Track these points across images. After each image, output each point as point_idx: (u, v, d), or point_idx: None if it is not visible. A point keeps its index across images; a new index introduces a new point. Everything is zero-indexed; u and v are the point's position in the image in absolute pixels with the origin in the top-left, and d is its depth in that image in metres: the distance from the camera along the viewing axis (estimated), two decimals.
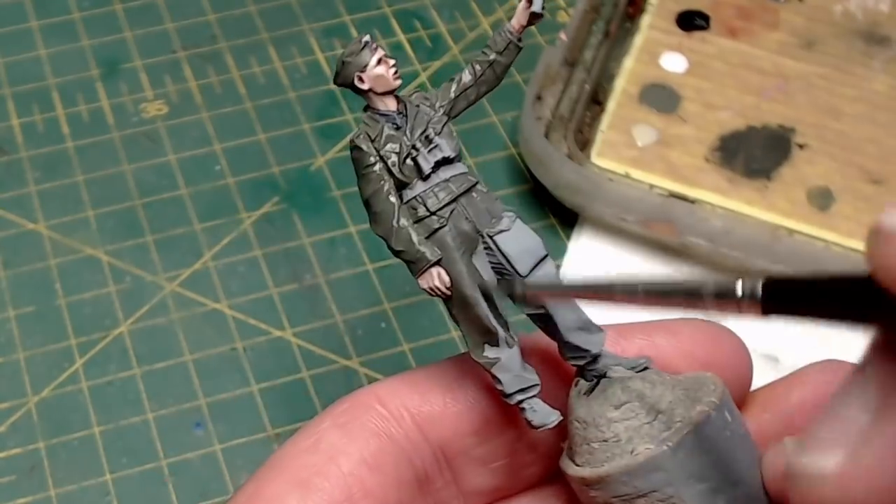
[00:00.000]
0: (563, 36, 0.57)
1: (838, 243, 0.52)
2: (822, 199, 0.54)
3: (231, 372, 0.50)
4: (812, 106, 0.57)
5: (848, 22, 0.60)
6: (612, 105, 0.56)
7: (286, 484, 0.30)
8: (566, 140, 0.54)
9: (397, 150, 0.31)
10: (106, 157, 0.57)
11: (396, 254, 0.31)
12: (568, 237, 0.55)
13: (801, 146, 0.56)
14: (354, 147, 0.31)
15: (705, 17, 0.60)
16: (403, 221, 0.31)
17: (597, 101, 0.57)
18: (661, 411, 0.30)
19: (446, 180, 0.32)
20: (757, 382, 0.50)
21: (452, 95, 0.33)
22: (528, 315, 0.32)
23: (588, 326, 0.32)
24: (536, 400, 0.31)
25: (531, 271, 0.31)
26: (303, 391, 0.50)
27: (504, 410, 0.32)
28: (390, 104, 0.32)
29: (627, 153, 0.54)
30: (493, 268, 0.31)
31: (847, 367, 0.32)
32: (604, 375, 0.31)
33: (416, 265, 0.31)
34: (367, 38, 0.32)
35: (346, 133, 0.58)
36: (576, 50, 0.57)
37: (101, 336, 0.51)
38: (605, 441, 0.30)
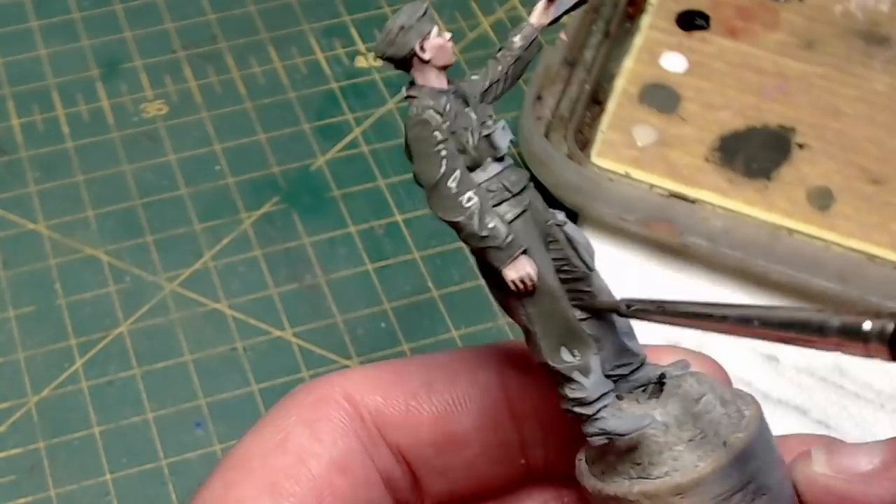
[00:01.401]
0: (563, 36, 0.57)
1: (838, 243, 0.52)
2: (822, 199, 0.54)
3: (231, 372, 0.50)
4: (812, 106, 0.57)
5: (848, 22, 0.60)
6: (612, 105, 0.56)
7: (256, 487, 0.29)
8: (566, 140, 0.54)
9: (468, 125, 0.28)
10: (106, 157, 0.57)
11: (478, 240, 0.27)
12: None
13: (801, 146, 0.56)
14: (420, 122, 0.27)
15: (705, 17, 0.60)
16: (486, 202, 0.27)
17: (597, 101, 0.57)
18: (728, 401, 0.29)
19: (511, 165, 0.29)
20: (757, 382, 0.50)
21: (485, 86, 0.29)
22: (580, 320, 0.29)
23: (632, 331, 0.30)
24: (613, 407, 0.29)
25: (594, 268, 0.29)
26: None
27: (466, 427, 0.31)
28: (444, 81, 0.28)
29: (627, 153, 0.54)
30: (555, 262, 0.29)
31: (833, 441, 0.31)
32: (660, 380, 0.29)
33: (505, 252, 0.27)
34: (427, 3, 0.28)
35: (346, 133, 0.58)
36: (576, 50, 0.57)
37: (101, 336, 0.51)
38: (691, 440, 0.28)
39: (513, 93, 0.62)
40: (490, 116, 0.29)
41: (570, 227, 0.29)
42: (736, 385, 0.31)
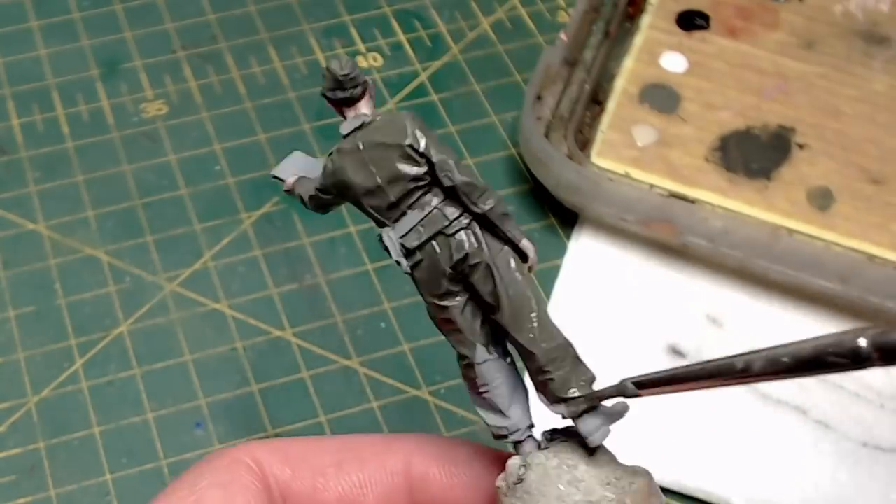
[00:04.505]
0: (563, 36, 0.57)
1: (838, 243, 0.52)
2: (822, 199, 0.54)
3: (231, 372, 0.50)
4: (812, 106, 0.57)
5: (848, 22, 0.60)
6: (612, 105, 0.56)
7: None
8: (566, 140, 0.54)
9: None
10: (106, 157, 0.57)
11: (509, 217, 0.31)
12: (568, 237, 0.55)
13: (801, 146, 0.56)
14: (412, 114, 0.31)
15: (705, 17, 0.60)
16: None
17: (597, 101, 0.57)
18: (617, 459, 0.30)
19: None
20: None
21: None
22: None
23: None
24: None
25: None
26: (303, 391, 0.50)
27: None
28: None
29: (627, 153, 0.54)
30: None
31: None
32: (566, 430, 0.31)
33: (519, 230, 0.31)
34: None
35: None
36: (576, 50, 0.57)
37: (101, 336, 0.51)
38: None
39: (513, 93, 0.63)
40: None
41: None
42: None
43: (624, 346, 0.51)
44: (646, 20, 0.60)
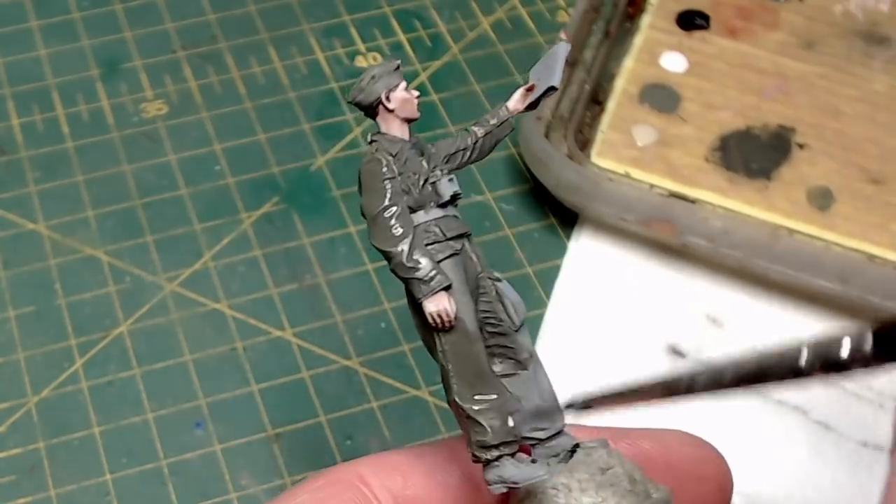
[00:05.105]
0: (563, 36, 0.57)
1: (838, 243, 0.52)
2: (822, 199, 0.54)
3: (231, 372, 0.50)
4: (812, 106, 0.57)
5: (848, 22, 0.60)
6: (612, 105, 0.56)
7: None
8: (566, 140, 0.54)
9: (417, 171, 0.30)
10: (106, 157, 0.57)
11: (404, 270, 0.29)
12: (568, 237, 0.55)
13: (801, 146, 0.56)
14: (373, 160, 0.30)
15: (705, 17, 0.60)
16: (419, 239, 0.30)
17: (597, 101, 0.57)
18: (637, 481, 0.30)
19: (455, 216, 0.31)
20: None
21: (451, 151, 0.32)
22: (505, 375, 0.31)
23: (555, 399, 0.31)
24: (516, 458, 0.30)
25: (520, 326, 0.31)
26: (303, 391, 0.50)
27: (486, 499, 0.31)
28: (405, 133, 0.31)
29: (627, 153, 0.55)
30: (482, 315, 0.31)
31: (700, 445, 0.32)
32: (573, 449, 0.31)
33: (427, 286, 0.29)
34: (398, 61, 0.31)
35: (346, 133, 0.58)
36: (576, 50, 0.57)
37: (101, 336, 0.51)
38: None
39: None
40: (441, 170, 0.31)
41: (503, 284, 0.31)
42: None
43: (624, 346, 0.51)
44: (646, 20, 0.60)
